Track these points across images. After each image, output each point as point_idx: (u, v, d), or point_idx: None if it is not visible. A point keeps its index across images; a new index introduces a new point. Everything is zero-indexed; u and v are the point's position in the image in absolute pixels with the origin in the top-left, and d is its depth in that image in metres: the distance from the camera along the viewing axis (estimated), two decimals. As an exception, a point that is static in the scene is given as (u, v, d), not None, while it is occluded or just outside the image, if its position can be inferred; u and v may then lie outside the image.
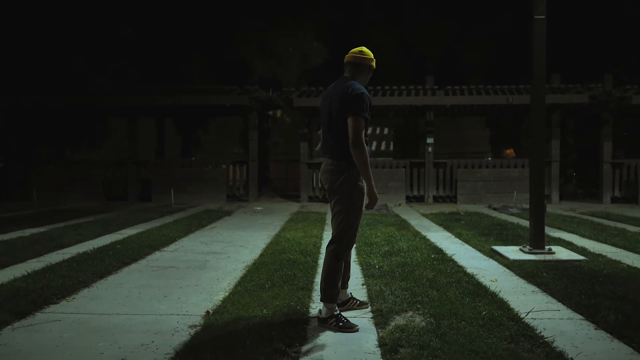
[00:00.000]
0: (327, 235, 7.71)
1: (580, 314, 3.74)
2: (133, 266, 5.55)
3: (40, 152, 16.75)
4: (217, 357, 2.93)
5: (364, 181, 3.50)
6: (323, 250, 6.45)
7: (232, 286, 4.63)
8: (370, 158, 3.57)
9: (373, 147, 16.96)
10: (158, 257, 6.04)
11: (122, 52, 15.81)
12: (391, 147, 17.34)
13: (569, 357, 2.92)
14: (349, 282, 3.96)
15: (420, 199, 14.15)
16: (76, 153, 18.22)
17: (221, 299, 4.22)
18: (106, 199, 14.11)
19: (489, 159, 15.99)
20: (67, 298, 4.25)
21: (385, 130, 17.08)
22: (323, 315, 3.53)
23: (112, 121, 17.80)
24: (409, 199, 14.13)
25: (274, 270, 5.14)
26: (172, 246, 6.81)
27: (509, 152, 21.40)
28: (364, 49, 3.67)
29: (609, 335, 3.32)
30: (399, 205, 13.06)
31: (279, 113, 17.96)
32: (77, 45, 15.38)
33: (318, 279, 4.86)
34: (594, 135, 14.83)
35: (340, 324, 3.45)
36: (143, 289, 4.59)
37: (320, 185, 3.70)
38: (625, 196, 13.96)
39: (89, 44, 15.49)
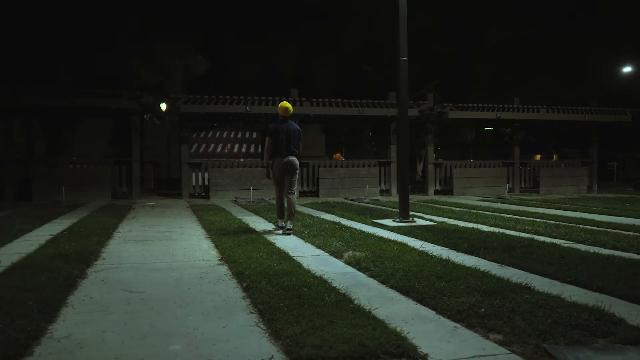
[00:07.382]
0: (250, 219, 9.55)
1: (447, 247, 6.28)
2: (114, 240, 6.89)
3: None
4: (261, 267, 4.75)
5: None
6: (253, 227, 8.34)
7: (213, 247, 6.35)
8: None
9: (243, 149, 18.83)
10: (125, 235, 7.38)
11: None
12: (259, 149, 19.39)
13: (450, 260, 5.35)
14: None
15: (288, 194, 16.43)
16: None
17: (217, 253, 5.96)
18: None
19: (343, 159, 18.93)
20: (99, 259, 5.61)
21: (254, 134, 19.07)
22: (291, 227, 7.38)
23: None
24: (278, 195, 16.30)
25: (234, 236, 6.93)
26: (122, 229, 8.10)
27: (338, 155, 24.86)
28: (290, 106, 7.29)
29: (465, 254, 5.87)
30: (273, 198, 15.18)
31: (147, 117, 18.87)
32: None
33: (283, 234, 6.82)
34: (422, 141, 18.60)
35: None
36: (146, 252, 6.07)
37: (281, 168, 7.61)
38: (443, 189, 17.89)
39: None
